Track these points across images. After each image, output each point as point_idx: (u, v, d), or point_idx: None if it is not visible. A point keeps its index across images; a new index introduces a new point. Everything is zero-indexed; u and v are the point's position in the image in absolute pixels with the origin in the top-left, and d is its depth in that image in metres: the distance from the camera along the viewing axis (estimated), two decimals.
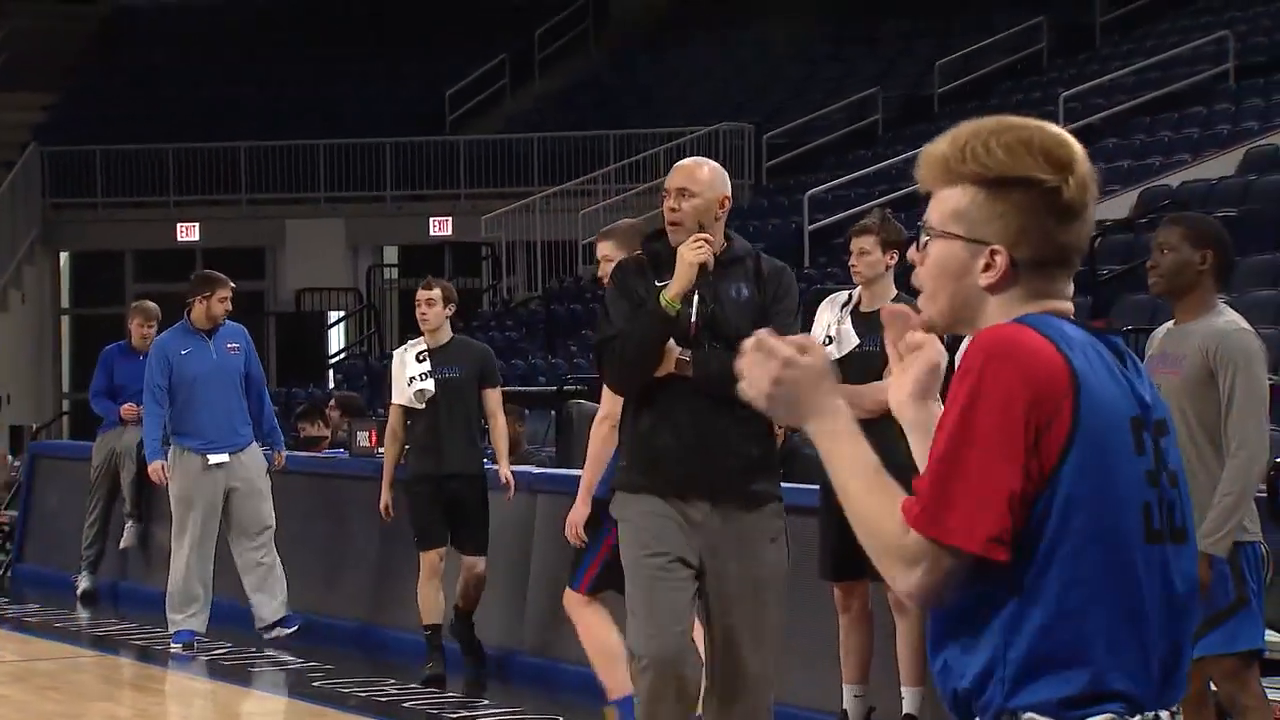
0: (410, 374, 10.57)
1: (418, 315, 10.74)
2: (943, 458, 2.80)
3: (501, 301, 25.75)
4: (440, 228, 27.63)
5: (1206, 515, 6.26)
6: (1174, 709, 2.91)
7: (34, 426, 23.47)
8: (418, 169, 28.58)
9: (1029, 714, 2.79)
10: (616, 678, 8.36)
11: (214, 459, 11.62)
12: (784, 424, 2.84)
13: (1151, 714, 2.83)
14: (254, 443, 11.90)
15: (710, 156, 25.06)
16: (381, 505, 10.75)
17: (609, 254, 8.53)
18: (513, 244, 26.11)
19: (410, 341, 10.91)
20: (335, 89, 30.32)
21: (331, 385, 23.37)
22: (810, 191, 22.46)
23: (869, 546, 2.84)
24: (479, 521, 10.54)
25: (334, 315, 28.12)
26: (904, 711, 8.63)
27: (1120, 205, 18.92)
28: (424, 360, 10.55)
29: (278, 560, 11.72)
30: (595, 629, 8.41)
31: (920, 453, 2.94)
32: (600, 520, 8.34)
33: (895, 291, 8.09)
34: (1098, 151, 21.64)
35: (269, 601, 11.62)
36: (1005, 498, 2.77)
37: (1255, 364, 6.40)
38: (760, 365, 2.92)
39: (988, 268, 2.90)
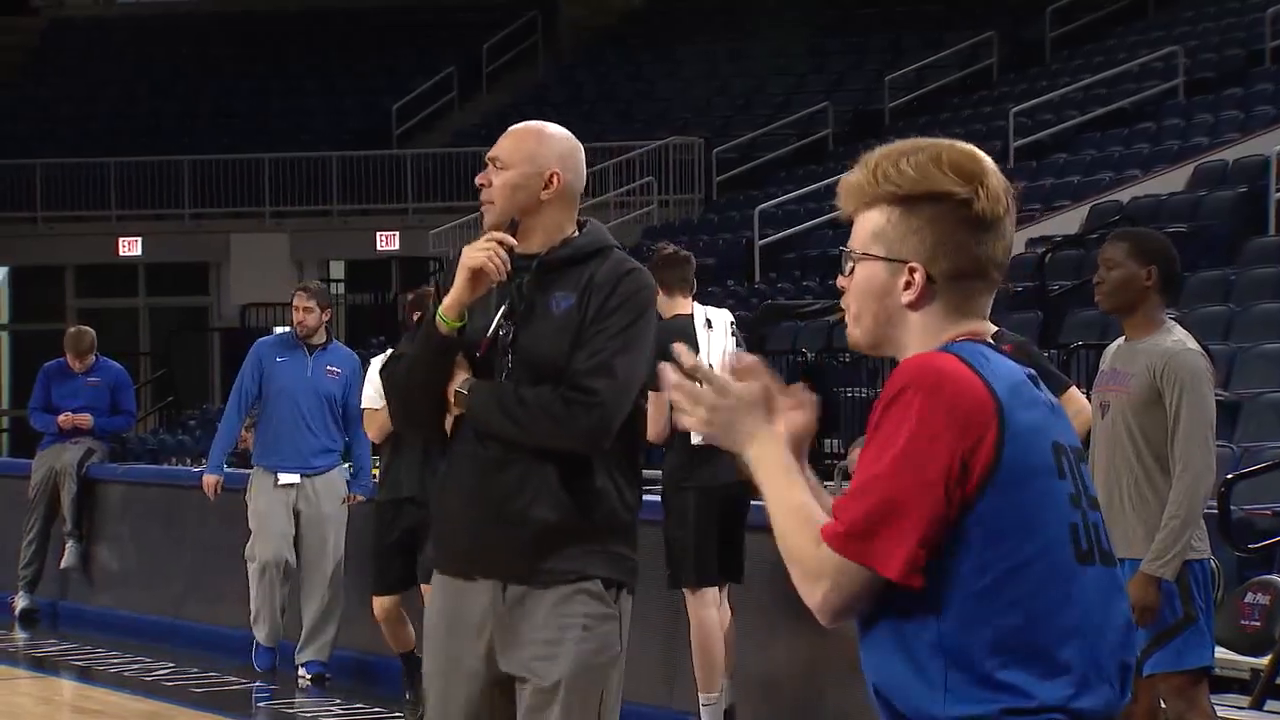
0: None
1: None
2: (865, 483, 2.85)
3: None
4: (387, 242, 27.60)
5: (1157, 536, 6.29)
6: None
7: None
8: (364, 183, 28.56)
9: None
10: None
11: (284, 479, 11.06)
12: (727, 449, 2.89)
13: None
14: (335, 470, 11.28)
15: (660, 172, 25.36)
16: None
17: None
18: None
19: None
20: (279, 102, 30.31)
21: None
22: (760, 206, 22.52)
23: (789, 566, 2.91)
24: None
25: (279, 330, 28.04)
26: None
27: (1070, 221, 19.00)
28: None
29: (336, 597, 11.11)
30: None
31: (800, 499, 2.96)
32: None
33: (992, 328, 7.99)
34: (1047, 167, 21.81)
35: (310, 640, 11.11)
36: (924, 526, 2.82)
37: (1201, 384, 6.39)
38: (697, 394, 2.98)
39: (908, 285, 2.95)
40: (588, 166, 19.35)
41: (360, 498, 11.11)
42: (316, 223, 28.58)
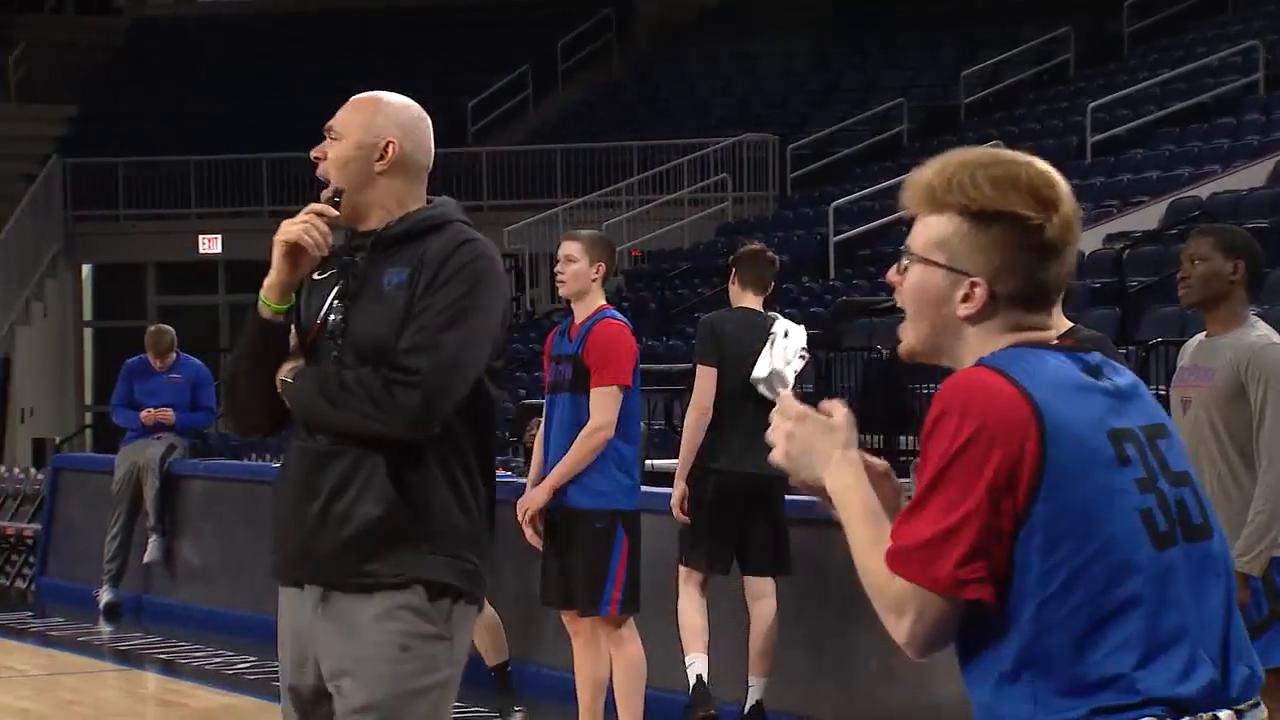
0: None
1: None
2: (915, 505, 2.83)
3: (525, 313, 25.77)
4: None
5: (1240, 534, 6.26)
6: (1251, 702, 2.87)
7: (57, 439, 23.56)
8: (439, 180, 28.31)
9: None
10: (635, 708, 8.36)
11: None
12: (806, 483, 2.89)
13: (1209, 715, 2.82)
14: None
15: (734, 168, 25.43)
16: None
17: (572, 254, 8.56)
18: (536, 255, 26.11)
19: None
20: (348, 97, 30.37)
21: None
22: (835, 203, 22.44)
23: (875, 604, 2.88)
24: None
25: None
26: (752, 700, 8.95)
27: (1148, 217, 18.88)
28: None
29: None
30: (629, 653, 8.38)
31: (875, 532, 2.95)
32: (610, 538, 8.35)
33: (1067, 324, 7.94)
34: (1125, 163, 21.70)
35: None
36: (974, 538, 2.79)
37: None
38: (778, 426, 3.00)
39: (966, 299, 2.92)
40: (662, 162, 19.48)
41: None
42: None
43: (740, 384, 8.98)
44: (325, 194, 4.39)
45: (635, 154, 27.10)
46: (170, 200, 28.86)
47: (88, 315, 30.81)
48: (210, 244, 28.62)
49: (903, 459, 13.89)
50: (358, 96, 4.56)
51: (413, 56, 31.26)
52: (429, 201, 4.55)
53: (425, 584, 4.19)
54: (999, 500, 2.78)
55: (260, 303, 4.31)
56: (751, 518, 9.01)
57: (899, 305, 3.03)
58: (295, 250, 4.28)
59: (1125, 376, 2.97)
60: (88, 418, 28.60)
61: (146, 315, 26.33)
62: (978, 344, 2.93)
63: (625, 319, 8.68)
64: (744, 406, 8.88)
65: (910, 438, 14.18)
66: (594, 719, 8.48)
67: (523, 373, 19.41)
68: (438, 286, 4.24)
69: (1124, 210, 19.42)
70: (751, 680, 8.98)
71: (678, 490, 8.97)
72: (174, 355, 14.31)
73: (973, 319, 2.92)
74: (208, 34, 32.69)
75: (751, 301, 9.20)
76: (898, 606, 2.82)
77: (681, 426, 16.34)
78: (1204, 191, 18.83)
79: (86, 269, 30.59)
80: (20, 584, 17.00)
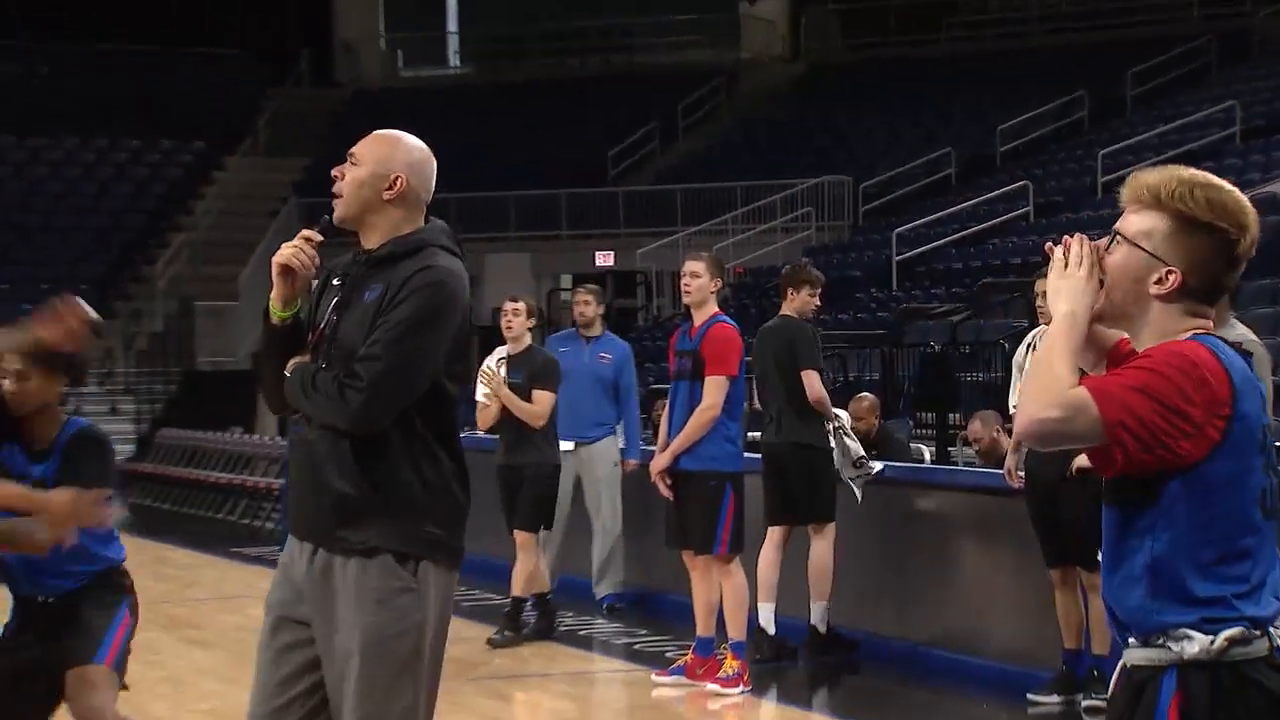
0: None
1: (503, 325, 10.08)
2: (1136, 372, 2.86)
3: (652, 317, 25.88)
4: (604, 259, 27.77)
5: None
6: None
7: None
8: (586, 213, 28.78)
9: (1181, 629, 2.85)
10: (740, 623, 8.43)
11: (564, 445, 10.29)
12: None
13: (1270, 638, 2.88)
14: (607, 440, 10.79)
15: (814, 206, 25.37)
16: None
17: (697, 271, 8.59)
18: (661, 272, 26.22)
19: (497, 350, 10.24)
20: (522, 151, 30.55)
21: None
22: (898, 229, 22.44)
23: (1033, 388, 2.89)
24: (526, 500, 9.69)
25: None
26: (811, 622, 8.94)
27: None
28: (502, 366, 9.96)
29: (617, 543, 10.86)
30: (736, 583, 8.44)
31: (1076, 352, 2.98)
32: (720, 492, 8.38)
33: None
34: None
35: (602, 576, 10.93)
36: (1156, 423, 2.83)
37: (1261, 368, 6.35)
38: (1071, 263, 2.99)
39: (1161, 281, 2.94)
40: (760, 198, 18.97)
41: (634, 463, 10.64)
42: (550, 244, 28.82)
43: None
44: (336, 214, 4.17)
45: (739, 192, 27.09)
46: None
47: None
48: None
49: (951, 432, 13.86)
50: (380, 132, 4.25)
51: (568, 116, 31.39)
52: (425, 222, 4.19)
53: (389, 551, 3.93)
54: (1187, 422, 2.83)
55: (269, 310, 4.14)
56: (796, 477, 9.05)
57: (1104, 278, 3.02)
58: (287, 270, 4.10)
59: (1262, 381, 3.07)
60: None
61: None
62: (1160, 319, 2.96)
63: (734, 322, 8.70)
64: None
65: (958, 415, 14.10)
66: (708, 633, 8.53)
67: (650, 364, 19.43)
68: (395, 304, 3.97)
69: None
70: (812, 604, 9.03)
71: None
72: None
73: (1163, 299, 2.93)
74: (410, 100, 32.91)
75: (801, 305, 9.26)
76: (1058, 402, 2.84)
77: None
78: None
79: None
80: (269, 524, 17.22)
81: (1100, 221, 20.57)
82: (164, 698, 8.41)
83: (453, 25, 38.45)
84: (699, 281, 8.49)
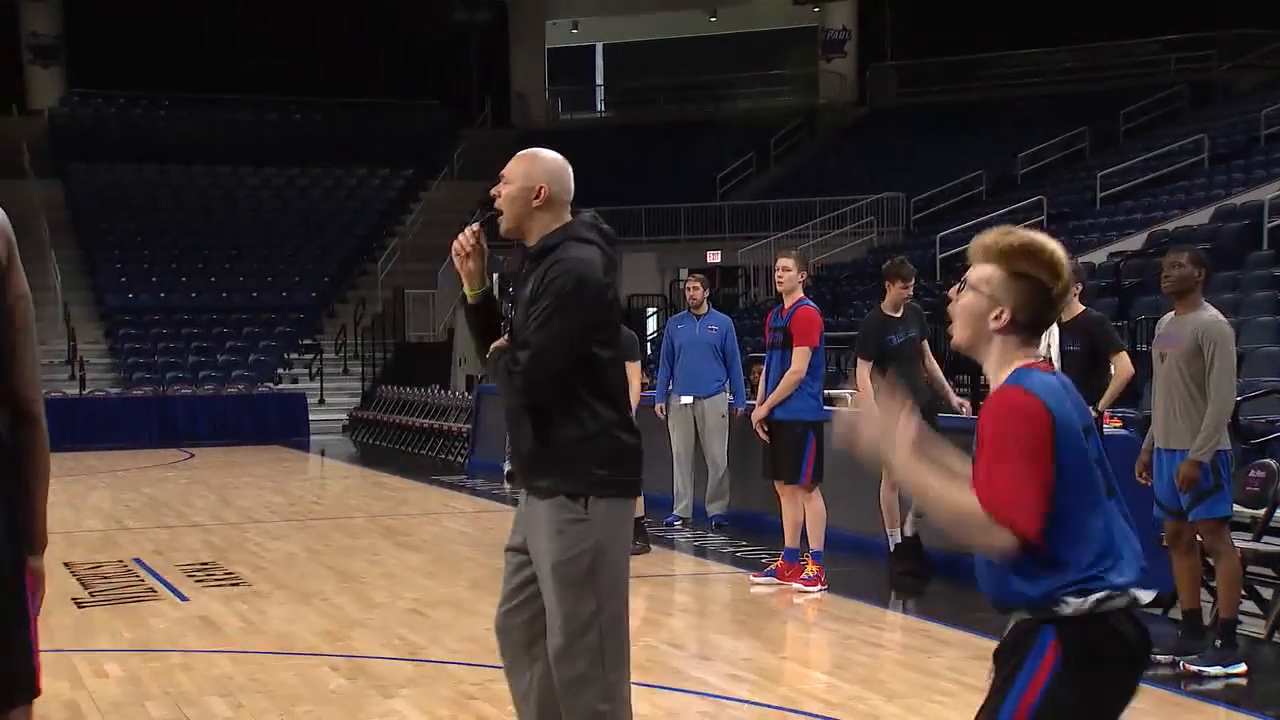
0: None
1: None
2: (995, 477, 2.72)
3: (750, 302, 25.71)
4: (713, 257, 27.63)
5: (1198, 437, 6.07)
6: (1153, 593, 2.85)
7: (479, 375, 23.92)
8: (700, 222, 28.67)
9: (1059, 596, 2.74)
10: (818, 537, 8.35)
11: (683, 400, 10.57)
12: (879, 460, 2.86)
13: (1135, 593, 2.78)
14: (719, 395, 10.64)
15: (876, 216, 25.34)
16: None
17: (788, 265, 8.46)
18: (756, 267, 26.04)
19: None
20: (651, 175, 30.46)
21: (649, 351, 23.56)
22: (940, 234, 22.08)
23: (967, 527, 2.73)
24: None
25: (650, 311, 28.27)
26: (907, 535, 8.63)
27: (1136, 242, 18.44)
28: None
29: (725, 475, 10.71)
30: (815, 506, 8.34)
31: (942, 482, 2.78)
32: (804, 437, 8.27)
33: (1082, 308, 7.64)
34: (1121, 209, 21.08)
35: (713, 500, 10.81)
36: (1037, 497, 2.72)
37: (1228, 342, 6.16)
38: (861, 427, 2.83)
39: (997, 318, 2.88)
40: (834, 210, 18.63)
41: (740, 410, 10.45)
42: (671, 246, 28.69)
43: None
44: (502, 227, 3.91)
45: (817, 205, 26.84)
46: None
47: None
48: None
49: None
50: (522, 151, 3.95)
51: (687, 148, 31.27)
52: (572, 215, 3.93)
53: (564, 493, 3.79)
54: (1044, 464, 2.73)
55: (464, 294, 3.94)
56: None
57: (950, 314, 2.94)
58: (456, 254, 3.89)
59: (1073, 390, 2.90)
60: None
61: None
62: (999, 349, 2.89)
63: (816, 305, 8.56)
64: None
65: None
66: (794, 545, 8.42)
67: (749, 337, 19.32)
68: (536, 298, 3.77)
69: (1120, 238, 18.94)
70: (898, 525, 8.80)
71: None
72: None
73: (1000, 331, 2.88)
74: (566, 137, 32.99)
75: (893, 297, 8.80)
76: (991, 531, 2.70)
77: (845, 371, 16.09)
78: (1170, 226, 18.32)
79: (495, 276, 30.92)
80: (460, 459, 17.35)
81: (1100, 227, 20.20)
82: (383, 588, 8.46)
83: (599, 79, 38.47)
84: (789, 274, 8.39)
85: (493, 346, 3.87)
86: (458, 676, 6.10)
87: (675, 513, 10.92)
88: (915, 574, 8.55)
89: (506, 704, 5.60)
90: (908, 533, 8.73)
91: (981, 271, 2.90)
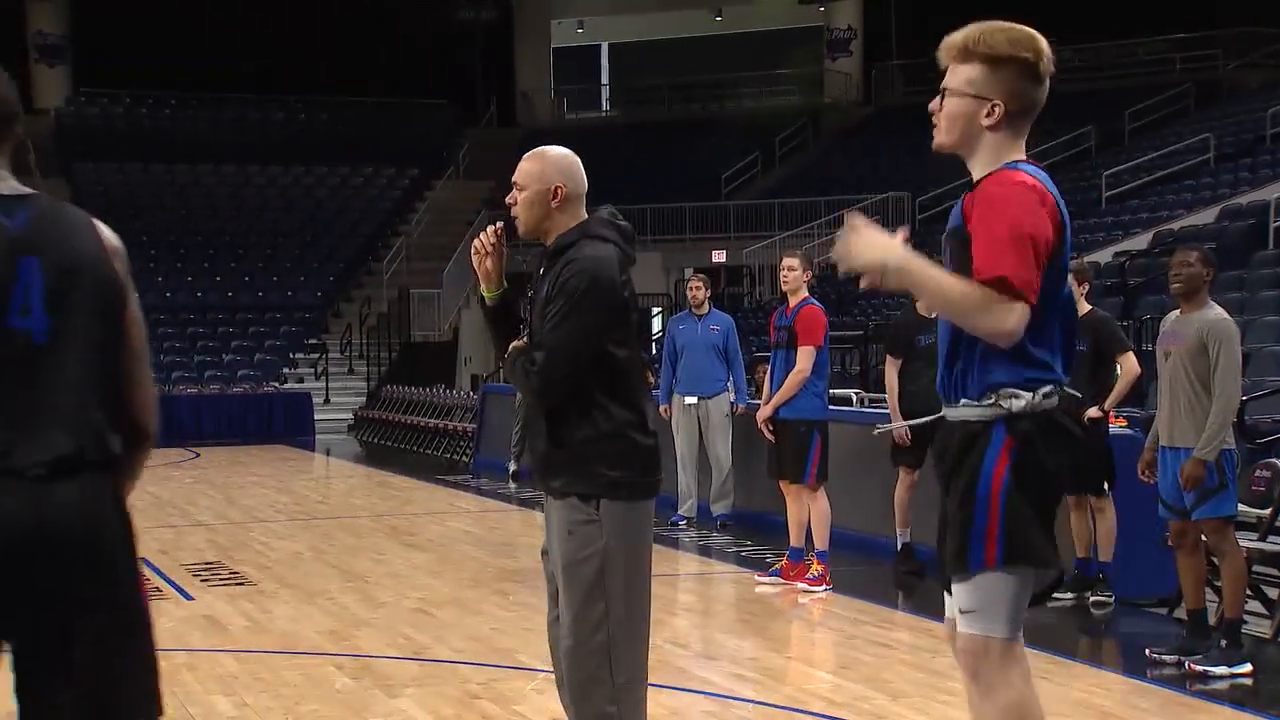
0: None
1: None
2: (998, 232, 2.69)
3: (755, 301, 25.70)
4: (718, 256, 27.64)
5: (1203, 435, 6.06)
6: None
7: (484, 375, 23.97)
8: (705, 221, 28.66)
9: (1005, 388, 2.76)
10: (824, 536, 8.32)
11: (687, 400, 10.54)
12: (861, 267, 2.77)
13: (1067, 389, 2.85)
14: (721, 394, 10.59)
15: (881, 215, 25.59)
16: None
17: (792, 265, 8.45)
18: (761, 266, 26.02)
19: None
20: (656, 174, 30.47)
21: (654, 351, 23.56)
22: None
23: (961, 313, 2.73)
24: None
25: (655, 310, 28.26)
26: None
27: (1141, 241, 18.44)
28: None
29: (729, 474, 10.67)
30: (820, 505, 8.32)
31: (942, 272, 2.78)
32: (809, 435, 8.25)
33: (1088, 307, 7.68)
34: (1127, 208, 21.05)
35: (718, 499, 10.77)
36: (1038, 249, 2.72)
37: (1234, 341, 6.15)
38: (849, 227, 2.82)
39: (990, 114, 2.78)
40: (838, 209, 18.75)
41: (743, 408, 10.49)
42: (676, 245, 28.70)
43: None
44: (520, 232, 3.87)
45: (822, 205, 26.82)
46: None
47: None
48: None
49: None
50: (530, 153, 3.88)
51: (691, 147, 31.27)
52: (588, 213, 3.87)
53: (576, 494, 3.72)
54: (1043, 246, 2.71)
55: (482, 296, 3.91)
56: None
57: (935, 122, 2.86)
58: (477, 254, 3.85)
59: None
60: (500, 362, 29.03)
61: None
62: (992, 145, 2.81)
63: (821, 305, 8.55)
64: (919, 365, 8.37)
65: None
66: (799, 544, 8.42)
67: (754, 336, 19.35)
68: (551, 299, 3.70)
69: (1126, 238, 18.94)
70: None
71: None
72: None
73: (993, 128, 2.79)
74: (571, 137, 32.78)
75: None
76: (996, 308, 2.68)
77: (849, 371, 16.06)
78: (1175, 226, 18.32)
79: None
80: (464, 459, 17.35)
81: (1105, 227, 20.17)
82: (388, 588, 8.46)
83: (604, 79, 38.47)
84: (794, 273, 8.39)
85: (511, 347, 3.81)
86: (463, 675, 6.10)
87: (680, 512, 10.92)
88: (921, 574, 8.54)
89: (511, 703, 5.62)
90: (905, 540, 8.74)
91: (962, 74, 2.80)
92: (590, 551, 3.72)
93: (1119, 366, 7.79)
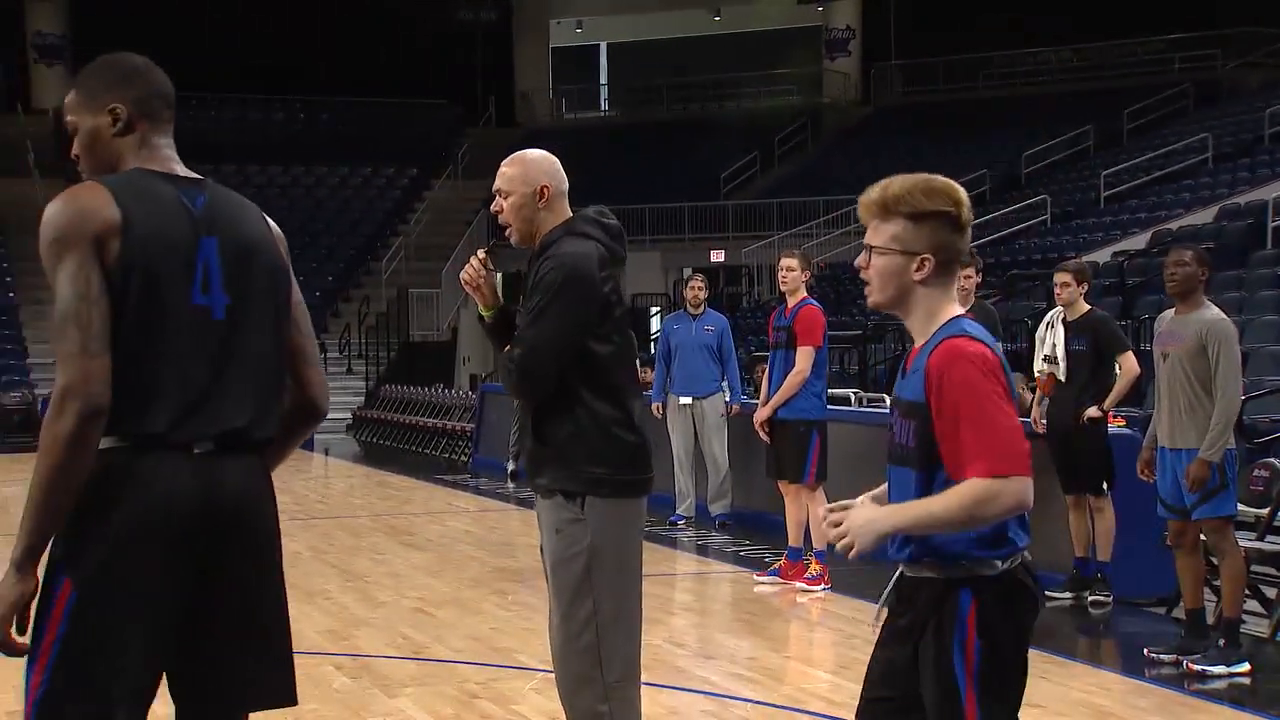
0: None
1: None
2: (978, 428, 2.64)
3: (754, 301, 25.69)
4: (717, 256, 27.63)
5: (1205, 437, 6.07)
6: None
7: (483, 374, 23.95)
8: (704, 221, 28.64)
9: (975, 554, 2.71)
10: (820, 537, 8.26)
11: (682, 400, 10.50)
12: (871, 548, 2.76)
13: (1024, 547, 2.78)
14: (716, 394, 10.57)
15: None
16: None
17: (791, 265, 8.43)
18: (760, 266, 25.99)
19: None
20: (655, 174, 30.45)
21: (651, 351, 23.53)
22: None
23: (960, 523, 2.67)
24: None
25: (654, 310, 28.25)
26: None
27: (1139, 241, 18.38)
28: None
29: (726, 475, 10.64)
30: (819, 505, 8.29)
31: (919, 507, 2.72)
32: (808, 435, 8.25)
33: (1088, 307, 7.77)
34: (1125, 208, 21.01)
35: (715, 499, 10.75)
36: (1013, 435, 2.67)
37: (1233, 341, 6.15)
38: (839, 533, 2.80)
39: (920, 268, 2.77)
40: (836, 209, 18.69)
41: (737, 408, 10.47)
42: (675, 245, 28.68)
43: None
44: (513, 239, 3.83)
45: (821, 204, 26.80)
46: None
47: (500, 301, 31.20)
48: None
49: (1031, 387, 13.56)
50: (509, 158, 3.81)
51: (691, 147, 31.24)
52: (572, 213, 3.80)
53: (560, 491, 3.67)
54: (1006, 403, 2.68)
55: (480, 310, 3.85)
56: None
57: (866, 280, 2.84)
58: (466, 284, 3.82)
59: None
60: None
61: None
62: (925, 301, 2.79)
63: (819, 304, 8.54)
64: None
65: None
66: (797, 544, 8.42)
67: (752, 336, 19.34)
68: (530, 295, 3.66)
69: (1124, 237, 18.90)
70: None
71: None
72: None
73: (925, 282, 2.78)
74: (571, 136, 32.95)
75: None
76: (1001, 494, 2.63)
77: (848, 370, 16.00)
78: (1173, 225, 18.27)
79: (499, 276, 30.90)
80: (463, 458, 17.35)
81: (1103, 227, 20.16)
82: (387, 587, 8.46)
83: (603, 79, 38.46)
84: (793, 274, 8.37)
85: (505, 349, 3.75)
86: (462, 675, 6.10)
87: (679, 512, 10.92)
88: None
89: (510, 703, 5.61)
90: None
91: (886, 231, 2.80)
92: (576, 550, 3.67)
93: (1119, 366, 7.79)
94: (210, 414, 2.60)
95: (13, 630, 2.49)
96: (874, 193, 2.82)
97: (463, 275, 3.82)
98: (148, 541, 2.52)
